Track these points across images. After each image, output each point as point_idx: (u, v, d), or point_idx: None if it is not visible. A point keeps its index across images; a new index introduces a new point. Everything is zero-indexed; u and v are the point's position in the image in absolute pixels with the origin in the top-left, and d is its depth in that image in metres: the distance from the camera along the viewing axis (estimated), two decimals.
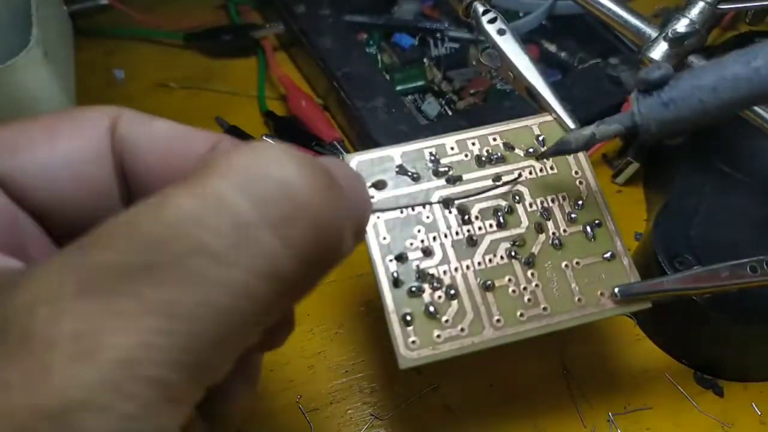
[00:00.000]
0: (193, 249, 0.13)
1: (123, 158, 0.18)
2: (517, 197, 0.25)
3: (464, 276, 0.23)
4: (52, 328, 0.12)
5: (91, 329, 0.12)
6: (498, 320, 0.23)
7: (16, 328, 0.12)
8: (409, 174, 0.24)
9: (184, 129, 0.18)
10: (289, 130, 0.37)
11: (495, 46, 0.27)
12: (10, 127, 0.17)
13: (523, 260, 0.24)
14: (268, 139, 0.18)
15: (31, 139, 0.17)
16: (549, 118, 0.26)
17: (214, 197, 0.13)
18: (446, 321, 0.22)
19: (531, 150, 0.25)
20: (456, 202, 0.24)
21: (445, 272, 0.23)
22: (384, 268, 0.23)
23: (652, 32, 0.29)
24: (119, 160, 0.18)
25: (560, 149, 0.23)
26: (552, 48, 0.42)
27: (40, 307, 0.12)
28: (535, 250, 0.24)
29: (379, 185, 0.24)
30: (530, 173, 0.25)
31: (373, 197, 0.24)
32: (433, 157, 0.25)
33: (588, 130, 0.22)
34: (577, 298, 0.23)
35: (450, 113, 0.38)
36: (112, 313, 0.12)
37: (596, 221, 0.25)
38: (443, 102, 0.39)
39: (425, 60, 0.40)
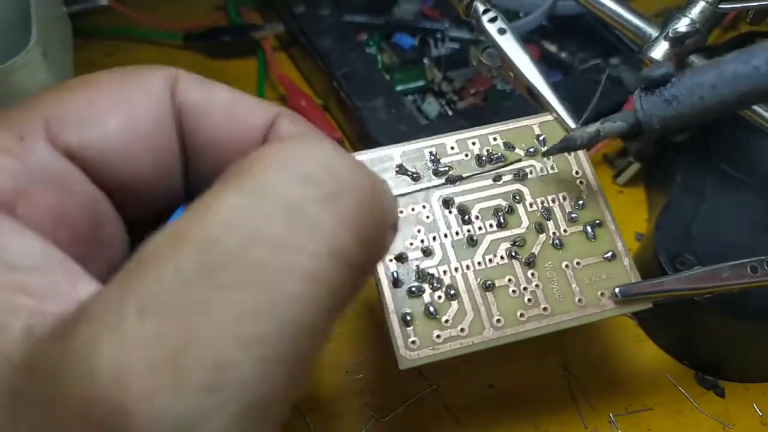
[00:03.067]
0: (250, 240, 0.12)
1: (183, 126, 0.17)
2: (517, 197, 0.25)
3: (464, 276, 0.23)
4: (119, 360, 0.11)
5: (165, 351, 0.11)
6: (498, 320, 0.23)
7: (81, 366, 0.11)
8: (409, 174, 0.24)
9: (243, 98, 0.18)
10: None
11: (495, 46, 0.27)
12: (77, 96, 0.16)
13: (523, 260, 0.24)
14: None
15: (103, 110, 0.16)
16: (549, 117, 0.26)
17: (261, 187, 0.13)
18: (446, 321, 0.22)
19: (531, 150, 0.25)
20: (456, 200, 0.24)
21: (445, 272, 0.23)
22: (384, 268, 0.23)
23: (652, 32, 0.29)
24: (179, 128, 0.17)
25: (565, 146, 0.23)
26: (552, 48, 0.42)
27: (102, 337, 0.11)
28: (536, 250, 0.24)
29: None
30: (531, 173, 0.25)
31: None
32: (433, 157, 0.25)
33: (593, 128, 0.23)
34: (577, 299, 0.23)
35: (450, 113, 0.38)
36: (183, 332, 0.11)
37: (597, 221, 0.24)
38: (443, 102, 0.39)
39: (425, 60, 0.40)
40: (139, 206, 0.17)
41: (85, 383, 0.11)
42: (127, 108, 0.16)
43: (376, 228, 0.14)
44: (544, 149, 0.25)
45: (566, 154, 0.25)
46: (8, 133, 0.15)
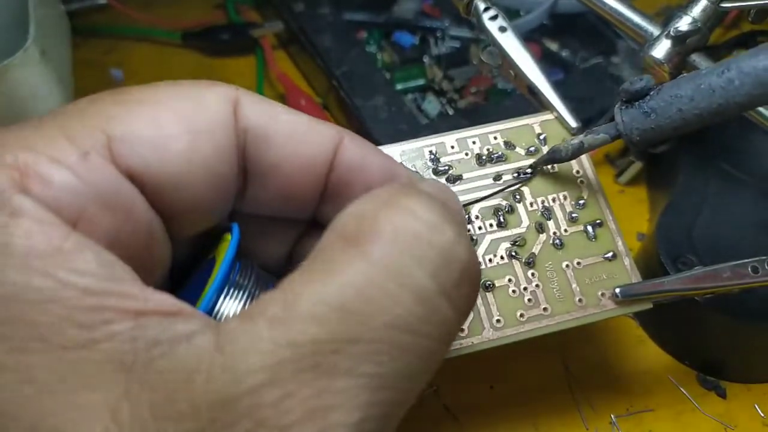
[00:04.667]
0: (391, 323, 0.13)
1: (245, 151, 0.17)
2: (517, 196, 0.24)
3: None
4: (284, 414, 0.12)
5: (320, 409, 0.12)
6: (498, 321, 0.22)
7: (245, 420, 0.12)
8: None
9: (306, 122, 0.18)
10: None
11: (496, 44, 0.27)
12: (140, 112, 0.16)
13: (523, 260, 0.23)
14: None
15: (168, 133, 0.16)
16: (550, 116, 0.26)
17: (393, 268, 0.14)
18: None
19: (532, 149, 0.25)
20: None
21: None
22: None
23: (654, 30, 0.29)
24: (241, 152, 0.17)
25: (551, 158, 0.24)
26: (554, 47, 0.42)
27: (267, 390, 0.12)
28: (536, 249, 0.24)
29: None
30: (532, 172, 0.25)
31: None
32: (433, 156, 0.25)
33: (577, 140, 0.23)
34: (577, 299, 0.23)
35: (450, 112, 0.38)
36: (333, 392, 0.13)
37: (597, 221, 0.24)
38: (444, 101, 0.38)
39: (425, 58, 0.40)
40: (190, 227, 0.17)
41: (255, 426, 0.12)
42: (191, 131, 0.16)
43: (475, 302, 0.16)
44: (543, 148, 0.25)
45: None
46: (70, 146, 0.15)
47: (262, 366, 0.12)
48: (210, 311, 0.17)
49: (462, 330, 0.22)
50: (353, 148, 0.18)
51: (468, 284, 0.15)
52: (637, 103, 0.22)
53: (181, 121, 0.16)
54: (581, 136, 0.23)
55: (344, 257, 0.14)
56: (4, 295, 0.13)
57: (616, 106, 0.23)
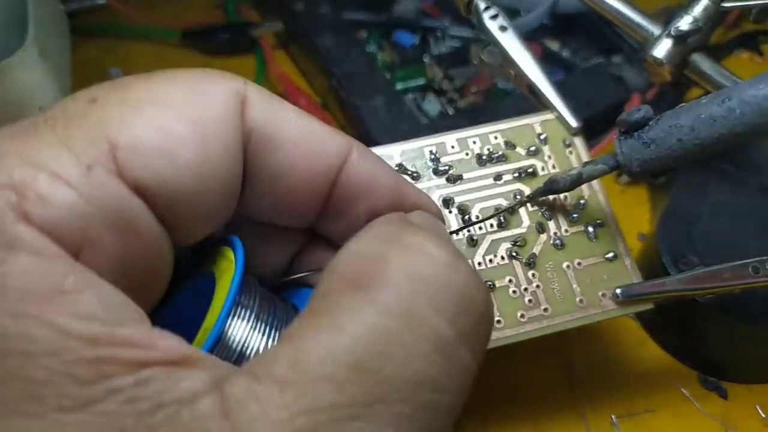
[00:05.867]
0: (412, 380, 0.12)
1: (250, 153, 0.16)
2: (518, 196, 0.24)
3: None
4: None
5: None
6: (498, 321, 0.22)
7: None
8: (409, 173, 0.24)
9: (317, 129, 0.17)
10: None
11: (496, 44, 0.27)
12: (145, 116, 0.14)
13: (524, 260, 0.23)
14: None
15: (176, 139, 0.14)
16: (551, 116, 0.26)
17: (408, 315, 0.13)
18: None
19: (532, 148, 0.25)
20: (456, 200, 0.24)
21: None
22: None
23: (655, 30, 0.29)
24: (245, 150, 0.16)
25: (549, 189, 0.24)
26: (554, 46, 0.42)
27: None
28: (536, 250, 0.24)
29: None
30: (532, 173, 0.25)
31: None
32: (433, 156, 0.24)
33: (575, 171, 0.23)
34: (578, 299, 0.23)
35: (451, 112, 0.38)
36: None
37: (598, 221, 0.24)
38: (444, 100, 0.38)
39: (426, 58, 0.40)
40: (192, 237, 0.16)
41: None
42: (199, 135, 0.15)
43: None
44: (543, 148, 0.25)
45: (567, 153, 0.25)
46: (72, 158, 0.13)
47: None
48: (218, 337, 0.16)
49: None
50: (362, 162, 0.17)
51: (485, 327, 0.14)
52: (636, 133, 0.22)
53: (188, 124, 0.15)
54: (579, 167, 0.23)
55: (352, 305, 0.13)
56: None
57: (615, 137, 0.23)
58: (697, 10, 0.28)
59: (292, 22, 0.40)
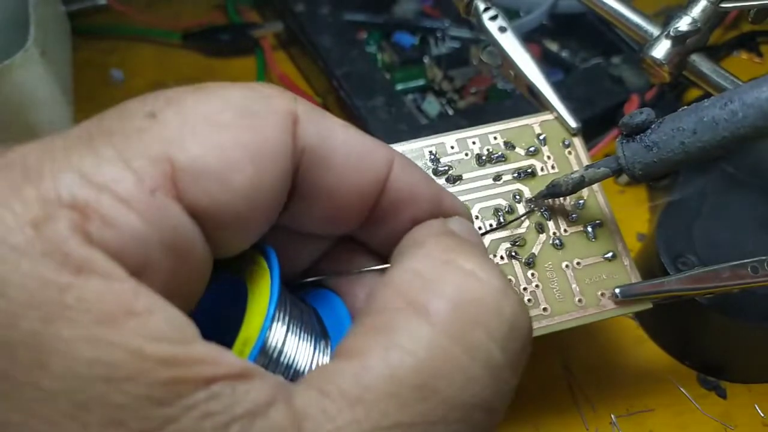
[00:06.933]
0: (470, 402, 0.13)
1: (301, 170, 0.16)
2: (517, 197, 0.24)
3: None
4: None
5: None
6: None
7: None
8: None
9: (362, 142, 0.17)
10: None
11: (496, 44, 0.27)
12: (202, 133, 0.14)
13: (523, 260, 0.23)
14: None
15: (232, 161, 0.14)
16: (550, 116, 0.26)
17: (464, 338, 0.13)
18: None
19: (532, 149, 0.25)
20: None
21: None
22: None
23: (654, 30, 0.29)
24: (296, 168, 0.16)
25: (551, 192, 0.24)
26: (553, 47, 0.42)
27: None
28: (536, 250, 0.24)
29: None
30: (531, 173, 0.25)
31: None
32: (433, 156, 0.25)
33: (577, 174, 0.23)
34: (577, 299, 0.23)
35: (450, 112, 0.38)
36: None
37: (597, 221, 0.24)
38: (444, 101, 0.38)
39: (425, 59, 0.40)
40: (234, 251, 0.16)
41: None
42: (255, 159, 0.14)
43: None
44: (543, 148, 0.25)
45: (566, 153, 0.25)
46: (133, 178, 0.13)
47: None
48: (262, 348, 0.16)
49: None
50: (404, 172, 0.18)
51: (528, 351, 0.15)
52: (638, 136, 0.22)
53: (243, 145, 0.14)
54: (582, 170, 0.23)
55: (412, 325, 0.14)
56: (78, 374, 0.11)
57: (617, 140, 0.23)
58: (696, 10, 0.28)
59: (292, 22, 0.40)
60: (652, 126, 0.22)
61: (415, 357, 0.13)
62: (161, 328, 0.12)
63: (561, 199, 0.24)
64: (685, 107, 0.22)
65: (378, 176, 0.17)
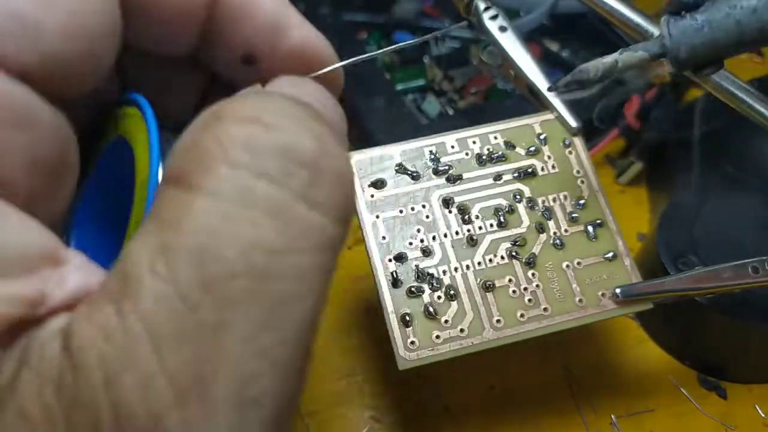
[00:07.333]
0: (245, 248, 0.11)
1: None
2: (517, 196, 0.24)
3: (464, 276, 0.23)
4: (148, 399, 0.11)
5: (191, 381, 0.11)
6: (498, 321, 0.22)
7: (113, 405, 0.10)
8: (409, 173, 0.24)
9: None
10: None
11: (496, 44, 0.27)
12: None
13: (523, 260, 0.23)
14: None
15: (39, 8, 0.13)
16: (550, 116, 0.26)
17: (234, 187, 0.12)
18: (446, 321, 0.22)
19: (532, 149, 0.25)
20: (456, 200, 0.24)
21: (444, 272, 0.23)
22: (383, 268, 0.23)
23: (654, 30, 0.29)
24: None
25: (576, 78, 0.21)
26: (554, 47, 0.42)
27: (124, 378, 0.11)
28: (536, 250, 0.24)
29: (379, 184, 0.24)
30: (532, 173, 0.25)
31: (372, 196, 0.24)
32: (433, 156, 0.25)
33: (610, 58, 0.20)
34: (578, 299, 0.23)
35: (451, 112, 0.38)
36: (204, 358, 0.11)
37: (598, 221, 0.24)
38: (444, 101, 0.38)
39: (425, 59, 0.40)
40: (86, 87, 0.15)
41: (121, 422, 0.10)
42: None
43: (351, 202, 0.14)
44: (543, 148, 0.25)
45: (567, 153, 0.25)
46: None
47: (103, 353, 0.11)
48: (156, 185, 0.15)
49: (462, 330, 0.22)
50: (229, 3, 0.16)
51: (330, 181, 0.13)
52: (688, 14, 0.19)
53: None
54: (616, 54, 0.20)
55: (178, 205, 0.12)
56: None
57: (662, 18, 0.20)
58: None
59: None
60: (706, 3, 0.19)
61: (184, 231, 0.11)
62: None
63: (562, 198, 0.24)
64: None
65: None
